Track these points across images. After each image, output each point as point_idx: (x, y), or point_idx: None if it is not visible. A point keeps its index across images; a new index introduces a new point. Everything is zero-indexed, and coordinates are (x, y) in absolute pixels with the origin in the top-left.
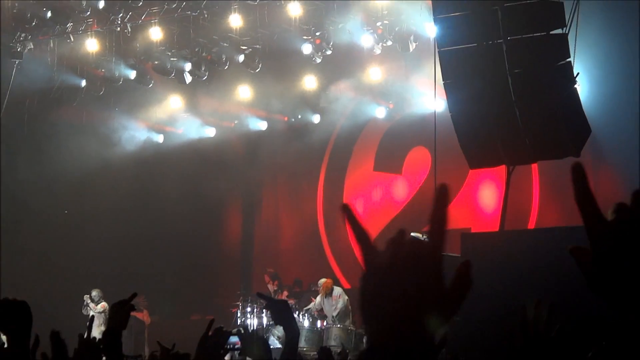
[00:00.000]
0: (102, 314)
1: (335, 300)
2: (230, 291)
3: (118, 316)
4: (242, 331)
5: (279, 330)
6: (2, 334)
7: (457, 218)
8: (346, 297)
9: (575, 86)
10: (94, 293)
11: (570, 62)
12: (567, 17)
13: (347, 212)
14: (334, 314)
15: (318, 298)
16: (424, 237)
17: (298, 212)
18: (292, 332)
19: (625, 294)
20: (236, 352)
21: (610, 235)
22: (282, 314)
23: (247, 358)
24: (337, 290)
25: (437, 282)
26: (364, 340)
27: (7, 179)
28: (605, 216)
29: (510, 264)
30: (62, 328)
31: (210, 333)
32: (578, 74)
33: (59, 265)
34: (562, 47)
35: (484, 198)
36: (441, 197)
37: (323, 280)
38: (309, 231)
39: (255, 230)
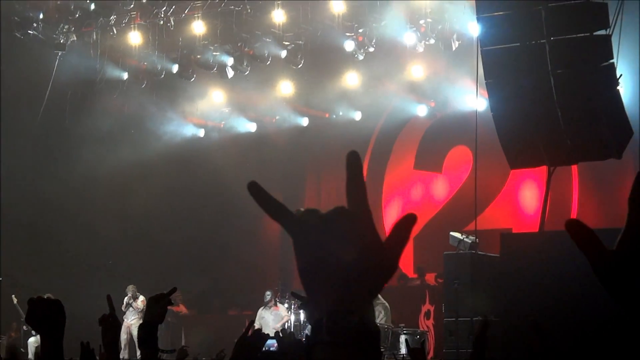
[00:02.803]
0: (142, 310)
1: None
2: (268, 287)
3: (155, 310)
4: (280, 334)
5: None
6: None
7: (498, 218)
8: (384, 302)
9: (618, 88)
10: (131, 288)
11: (613, 63)
12: (611, 18)
13: (254, 188)
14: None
15: None
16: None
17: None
18: None
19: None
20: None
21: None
22: None
23: None
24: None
25: (373, 237)
26: (400, 340)
27: (48, 170)
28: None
29: (550, 264)
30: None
31: (248, 334)
32: (621, 75)
33: (95, 259)
34: (605, 48)
35: (524, 198)
36: (353, 162)
37: None
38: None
39: None
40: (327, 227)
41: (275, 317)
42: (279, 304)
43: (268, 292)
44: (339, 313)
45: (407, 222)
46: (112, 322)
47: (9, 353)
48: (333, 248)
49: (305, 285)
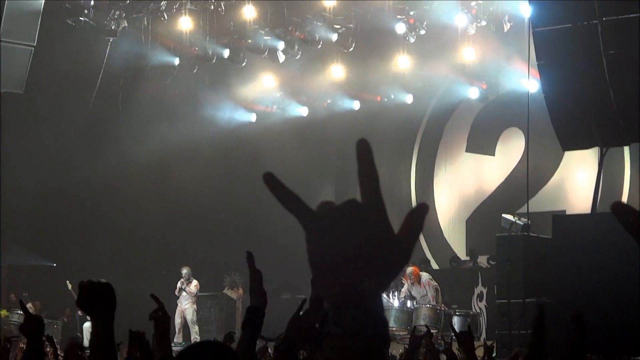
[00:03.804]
0: (195, 294)
1: (423, 287)
2: None
3: (259, 294)
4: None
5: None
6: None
7: (552, 200)
8: (434, 283)
9: None
10: (185, 271)
11: None
12: None
13: (269, 179)
14: (425, 301)
15: (405, 286)
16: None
17: (394, 193)
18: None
19: None
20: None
21: None
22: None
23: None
24: (425, 276)
25: (384, 228)
26: (453, 321)
27: (100, 157)
28: None
29: (602, 246)
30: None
31: (301, 313)
32: None
33: (148, 243)
34: None
35: (578, 180)
36: (364, 152)
37: (410, 268)
38: (404, 211)
39: None
40: (337, 220)
41: None
42: None
43: None
44: (346, 305)
45: (419, 212)
46: (162, 316)
47: (70, 345)
48: (342, 241)
49: (315, 277)
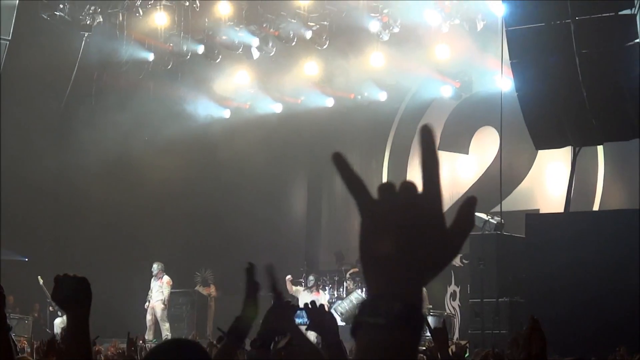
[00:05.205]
0: (165, 287)
1: None
2: (294, 268)
3: (253, 307)
4: (310, 306)
5: (342, 307)
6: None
7: (525, 200)
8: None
9: None
10: (155, 266)
11: (638, 43)
12: None
13: (338, 160)
14: None
15: None
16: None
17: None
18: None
19: None
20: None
21: None
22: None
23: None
24: None
25: (438, 222)
26: (427, 319)
27: (73, 151)
28: None
29: (575, 244)
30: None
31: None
32: None
33: (120, 239)
34: (630, 28)
35: (551, 179)
36: (428, 139)
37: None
38: None
39: (322, 207)
40: (393, 210)
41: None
42: (320, 291)
43: (312, 277)
44: (384, 297)
45: (469, 206)
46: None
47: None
48: (394, 233)
49: (362, 266)
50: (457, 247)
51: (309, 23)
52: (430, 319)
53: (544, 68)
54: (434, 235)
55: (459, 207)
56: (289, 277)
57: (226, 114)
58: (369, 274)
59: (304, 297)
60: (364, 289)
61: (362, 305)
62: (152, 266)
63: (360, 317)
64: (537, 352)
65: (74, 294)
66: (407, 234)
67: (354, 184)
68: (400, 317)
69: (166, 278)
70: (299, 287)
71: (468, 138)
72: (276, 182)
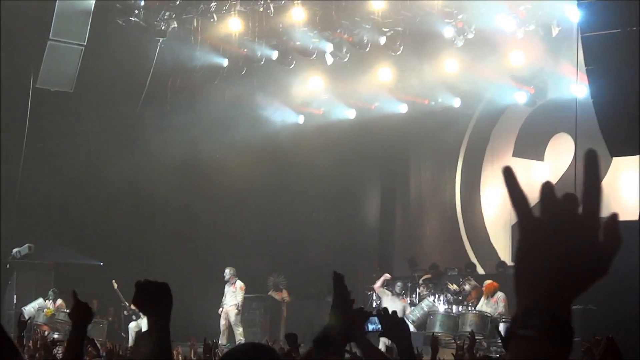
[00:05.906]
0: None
1: (495, 302)
2: (367, 273)
3: (344, 317)
4: (383, 313)
5: (413, 315)
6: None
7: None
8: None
9: None
10: (227, 271)
11: None
12: None
13: (507, 175)
14: (495, 315)
15: (482, 299)
16: None
17: (438, 195)
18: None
19: None
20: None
21: None
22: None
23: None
24: (500, 294)
25: (592, 242)
26: (499, 328)
27: (147, 156)
28: None
29: None
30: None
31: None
32: None
33: (194, 244)
34: None
35: (626, 186)
36: (592, 164)
37: (488, 281)
38: (448, 215)
39: (396, 212)
40: (551, 227)
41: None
42: (406, 298)
43: (399, 283)
44: (536, 310)
45: (614, 223)
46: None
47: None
48: (550, 249)
49: (516, 277)
50: (606, 266)
51: (383, 29)
52: (502, 326)
53: (620, 75)
54: (587, 254)
55: (603, 226)
56: (387, 275)
57: (300, 119)
58: (523, 286)
59: (391, 303)
60: (437, 296)
61: (514, 318)
62: (224, 271)
63: (512, 328)
64: None
65: (155, 300)
66: (564, 250)
67: (518, 200)
68: (551, 330)
69: (239, 283)
70: (386, 291)
71: (543, 145)
72: (349, 187)
